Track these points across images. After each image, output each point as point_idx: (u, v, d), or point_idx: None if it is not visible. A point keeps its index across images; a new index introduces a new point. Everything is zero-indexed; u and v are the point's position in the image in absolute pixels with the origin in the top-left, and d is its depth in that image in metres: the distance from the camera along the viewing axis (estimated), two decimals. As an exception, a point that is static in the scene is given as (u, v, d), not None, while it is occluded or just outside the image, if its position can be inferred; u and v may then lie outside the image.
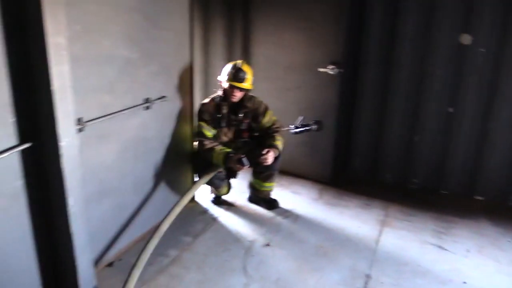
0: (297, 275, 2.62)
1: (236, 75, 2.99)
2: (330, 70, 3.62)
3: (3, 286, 1.98)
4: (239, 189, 3.72)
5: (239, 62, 3.08)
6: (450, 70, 3.51)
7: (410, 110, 3.75)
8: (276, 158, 3.16)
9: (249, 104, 3.15)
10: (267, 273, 2.63)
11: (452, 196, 3.77)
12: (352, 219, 3.34)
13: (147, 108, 2.78)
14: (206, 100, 3.17)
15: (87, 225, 2.24)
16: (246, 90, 3.09)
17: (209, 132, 3.08)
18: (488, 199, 3.67)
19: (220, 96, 3.12)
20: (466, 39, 3.40)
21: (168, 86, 2.98)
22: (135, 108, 2.66)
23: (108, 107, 2.44)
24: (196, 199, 3.57)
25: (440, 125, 3.68)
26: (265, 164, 3.04)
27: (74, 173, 2.07)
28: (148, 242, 2.44)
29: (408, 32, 3.56)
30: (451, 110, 3.60)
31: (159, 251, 2.74)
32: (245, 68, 3.04)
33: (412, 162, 3.87)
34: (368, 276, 2.63)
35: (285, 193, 3.76)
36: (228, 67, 3.07)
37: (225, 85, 3.05)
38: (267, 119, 3.20)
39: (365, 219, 3.34)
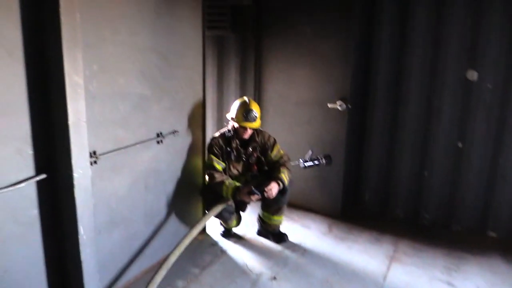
0: (302, 309, 2.62)
1: (247, 116, 3.10)
2: (338, 106, 3.71)
3: (15, 312, 2.07)
4: (248, 222, 3.77)
5: (246, 100, 3.19)
6: (457, 105, 3.56)
7: (419, 145, 3.78)
8: (283, 191, 3.21)
9: (258, 139, 3.25)
10: (272, 306, 2.64)
11: (464, 232, 3.72)
12: (361, 254, 3.33)
13: (160, 142, 2.91)
14: (216, 134, 3.29)
15: (97, 254, 2.33)
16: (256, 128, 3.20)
17: (219, 165, 3.18)
18: (501, 235, 3.61)
19: (230, 130, 3.23)
20: (472, 75, 3.46)
21: (180, 120, 3.12)
22: (147, 141, 2.79)
23: (121, 140, 2.57)
24: (207, 231, 3.62)
25: (450, 160, 3.69)
26: (269, 197, 3.08)
27: (85, 203, 2.18)
28: (156, 273, 2.49)
29: (415, 68, 3.65)
30: (460, 145, 3.62)
31: (167, 281, 2.78)
32: (254, 107, 3.16)
33: (422, 197, 3.86)
34: (374, 312, 2.61)
35: (294, 227, 3.78)
36: (236, 106, 3.19)
37: (236, 124, 3.17)
38: (275, 153, 3.28)
39: (374, 254, 3.33)
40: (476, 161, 3.58)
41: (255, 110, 3.13)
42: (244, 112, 3.10)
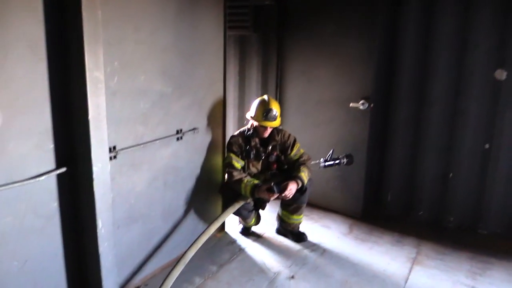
0: (319, 309, 2.59)
1: (267, 116, 3.08)
2: (361, 105, 3.66)
3: (34, 301, 2.12)
4: (268, 220, 3.76)
5: (266, 98, 3.18)
6: (485, 105, 3.44)
7: (444, 146, 3.68)
8: (303, 190, 3.18)
9: (277, 137, 3.23)
10: (288, 306, 2.62)
11: (490, 236, 3.59)
12: (382, 255, 3.27)
13: (179, 139, 2.93)
14: (236, 133, 3.30)
15: (115, 248, 2.36)
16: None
17: (238, 163, 3.18)
18: (531, 240, 3.48)
19: (249, 129, 3.23)
20: (501, 74, 3.35)
21: (200, 118, 3.13)
22: (167, 138, 2.81)
23: (141, 137, 2.61)
24: (226, 229, 3.63)
25: (476, 162, 3.57)
26: (286, 196, 3.05)
27: (104, 197, 2.21)
28: (173, 268, 2.50)
29: (441, 68, 3.55)
30: (487, 146, 3.50)
31: (184, 277, 2.81)
32: (274, 105, 3.13)
33: (447, 199, 3.75)
34: (393, 315, 2.56)
35: (314, 227, 3.75)
36: (256, 104, 3.19)
37: (255, 123, 3.16)
38: (295, 151, 3.26)
39: (395, 256, 3.26)
40: (504, 163, 3.46)
41: (275, 109, 3.12)
42: (264, 111, 3.09)
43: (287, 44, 4.13)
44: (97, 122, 2.11)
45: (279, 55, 4.20)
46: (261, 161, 3.28)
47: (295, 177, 3.10)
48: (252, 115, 3.17)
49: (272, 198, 3.00)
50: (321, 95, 3.97)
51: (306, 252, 3.30)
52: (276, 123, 3.14)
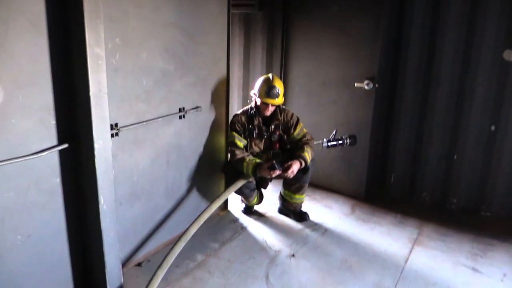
0: (319, 287, 2.62)
1: (269, 92, 3.07)
2: (365, 85, 3.62)
3: (38, 275, 2.16)
4: (270, 200, 3.78)
5: (270, 77, 3.16)
6: (492, 87, 3.39)
7: (449, 127, 3.64)
8: (305, 170, 3.18)
9: (280, 117, 3.22)
10: (288, 283, 2.65)
11: (493, 218, 3.59)
12: (383, 236, 3.28)
13: (182, 117, 2.93)
14: (239, 112, 3.29)
15: (117, 224, 2.39)
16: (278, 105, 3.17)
17: (240, 142, 3.18)
18: (534, 223, 3.47)
19: (253, 108, 3.21)
20: (509, 55, 3.28)
21: (203, 97, 3.12)
22: (169, 116, 2.82)
23: (143, 114, 2.61)
24: (228, 208, 3.66)
25: (482, 144, 3.54)
26: (288, 175, 3.05)
27: (106, 173, 2.22)
28: (174, 245, 2.54)
29: (447, 49, 3.49)
30: (493, 128, 3.47)
31: (186, 254, 2.85)
32: (277, 83, 3.12)
33: (451, 181, 3.74)
34: (392, 293, 2.58)
35: (317, 207, 3.76)
36: (260, 82, 3.17)
37: (258, 100, 3.15)
38: (298, 131, 3.24)
39: (396, 237, 3.27)
40: (509, 146, 3.43)
41: (278, 87, 3.10)
42: (267, 89, 3.07)
43: (292, 23, 4.08)
44: (98, 99, 2.11)
45: (285, 34, 4.15)
46: (263, 140, 3.27)
47: (298, 156, 3.09)
48: (256, 92, 3.16)
49: (274, 175, 3.00)
50: (326, 75, 3.93)
51: (307, 231, 3.32)
52: (279, 101, 3.12)
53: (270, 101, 3.08)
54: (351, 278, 2.71)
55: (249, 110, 3.23)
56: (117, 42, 2.31)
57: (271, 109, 3.15)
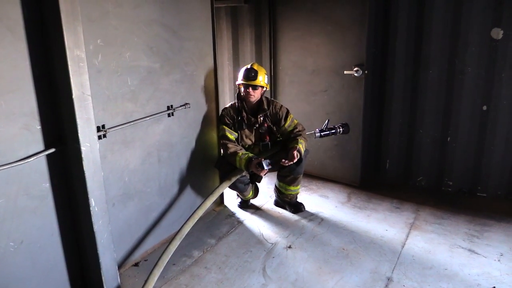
0: (316, 277, 2.62)
1: (246, 74, 3.13)
2: (355, 72, 3.60)
3: (34, 280, 2.16)
4: (266, 193, 3.78)
5: (250, 64, 3.23)
6: (482, 66, 3.38)
7: (441, 110, 3.64)
8: (299, 161, 3.18)
9: (268, 108, 3.21)
10: (285, 274, 2.65)
11: (490, 199, 3.59)
12: (379, 222, 3.28)
13: (171, 115, 2.91)
14: (227, 105, 3.29)
15: (111, 225, 2.38)
16: (260, 88, 3.17)
17: (231, 135, 3.17)
18: (530, 201, 3.46)
19: (240, 99, 3.21)
20: (497, 33, 3.26)
21: (191, 93, 3.11)
22: (158, 115, 2.80)
23: (131, 114, 2.59)
24: (224, 203, 3.66)
25: (474, 124, 3.53)
26: (288, 163, 3.06)
27: (95, 176, 2.21)
28: (169, 243, 2.53)
29: (435, 30, 3.48)
30: (485, 108, 3.45)
31: (183, 252, 2.86)
32: (255, 67, 3.19)
33: (445, 163, 3.73)
34: (389, 279, 2.58)
35: (313, 197, 3.76)
36: (241, 70, 3.21)
37: (241, 87, 3.18)
38: (288, 123, 3.23)
39: (393, 222, 3.27)
40: (502, 125, 3.42)
41: (256, 69, 3.15)
42: (244, 71, 3.16)
43: (279, 13, 4.05)
44: (82, 101, 2.09)
45: (272, 25, 4.13)
46: (253, 133, 3.26)
47: (293, 148, 3.08)
48: (237, 81, 3.22)
49: (262, 174, 3.01)
50: (315, 64, 3.91)
51: (303, 222, 3.32)
52: (256, 82, 3.13)
53: (248, 82, 3.11)
54: (348, 266, 2.72)
55: (237, 103, 3.23)
56: (98, 43, 2.29)
57: (252, 93, 3.14)
